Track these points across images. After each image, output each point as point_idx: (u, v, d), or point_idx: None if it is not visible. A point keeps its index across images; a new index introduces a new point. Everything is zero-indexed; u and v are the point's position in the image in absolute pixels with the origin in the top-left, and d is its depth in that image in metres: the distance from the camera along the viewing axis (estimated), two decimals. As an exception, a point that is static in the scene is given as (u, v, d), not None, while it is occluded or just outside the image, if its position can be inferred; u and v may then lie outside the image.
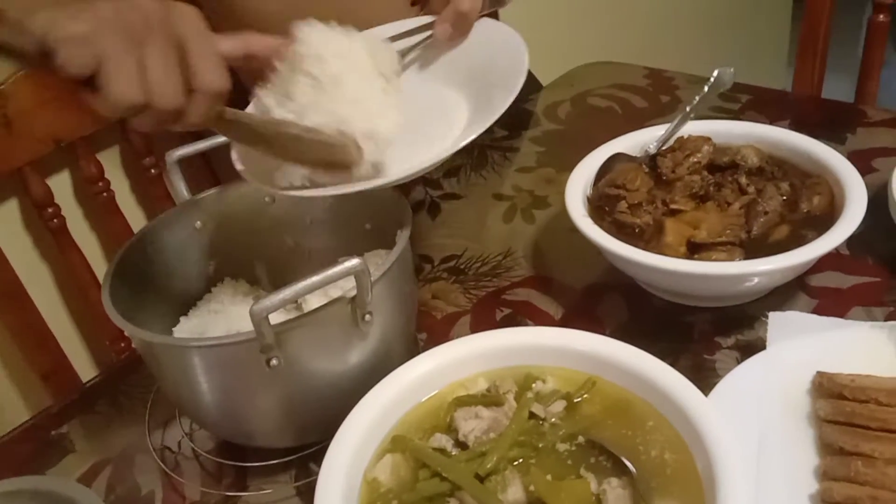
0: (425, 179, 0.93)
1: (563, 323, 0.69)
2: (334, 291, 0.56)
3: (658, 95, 1.02)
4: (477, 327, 0.70)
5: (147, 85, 0.45)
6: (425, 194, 0.90)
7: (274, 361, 0.50)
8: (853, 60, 1.20)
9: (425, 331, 0.70)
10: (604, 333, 0.66)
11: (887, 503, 0.44)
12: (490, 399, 0.53)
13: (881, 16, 1.08)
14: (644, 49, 1.04)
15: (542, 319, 0.70)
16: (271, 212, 0.69)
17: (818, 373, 0.54)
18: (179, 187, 0.67)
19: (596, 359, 0.54)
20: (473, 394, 0.54)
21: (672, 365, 0.62)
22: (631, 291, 0.70)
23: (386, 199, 0.63)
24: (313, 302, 0.61)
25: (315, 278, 0.47)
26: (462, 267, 0.78)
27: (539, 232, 0.81)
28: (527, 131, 1.01)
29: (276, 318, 0.50)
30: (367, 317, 0.52)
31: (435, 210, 0.87)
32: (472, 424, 0.51)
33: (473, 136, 0.57)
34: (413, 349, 0.64)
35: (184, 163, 0.66)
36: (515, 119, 1.03)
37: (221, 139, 0.67)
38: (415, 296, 0.64)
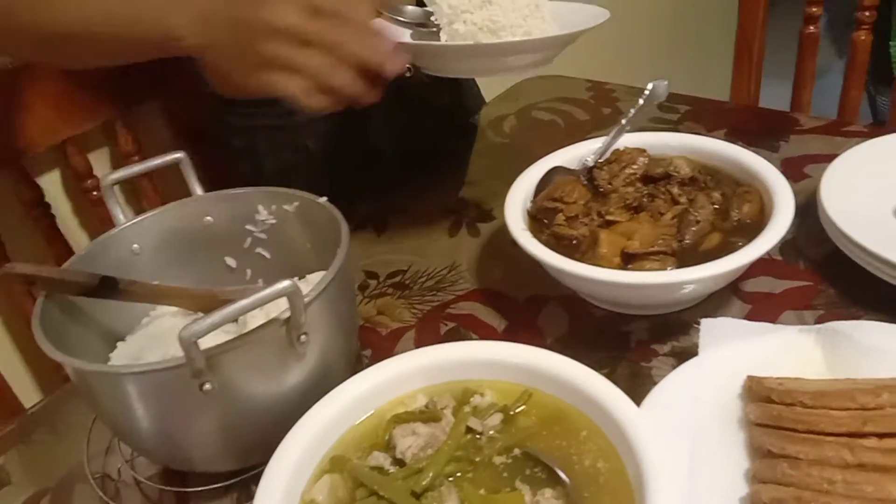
0: (372, 195, 0.93)
1: (506, 335, 0.70)
2: (275, 311, 0.56)
3: (599, 108, 1.04)
4: (421, 342, 0.70)
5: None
6: (372, 209, 0.91)
7: (207, 386, 0.50)
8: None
9: (370, 347, 0.70)
10: (545, 344, 0.68)
11: (810, 503, 0.46)
12: (427, 415, 0.53)
13: (811, 27, 1.12)
14: (592, 63, 1.06)
15: (486, 332, 0.70)
16: (211, 233, 0.68)
17: (748, 377, 0.56)
18: (115, 211, 0.66)
19: (532, 371, 0.55)
20: (411, 410, 0.54)
21: (610, 373, 0.64)
22: (571, 302, 0.71)
23: (324, 218, 0.63)
24: (255, 321, 0.61)
25: (244, 302, 0.47)
26: (407, 282, 0.78)
27: (483, 245, 0.82)
28: (473, 145, 1.02)
29: (213, 340, 0.50)
30: (303, 338, 0.52)
31: (381, 225, 0.88)
32: (410, 441, 0.51)
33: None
34: (356, 367, 0.64)
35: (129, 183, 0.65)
36: (462, 133, 1.04)
37: (158, 161, 0.67)
38: (354, 314, 0.64)
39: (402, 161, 0.99)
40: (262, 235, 0.69)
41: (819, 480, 0.47)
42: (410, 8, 0.72)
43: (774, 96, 1.28)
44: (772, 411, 0.52)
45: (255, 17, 0.55)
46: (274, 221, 0.68)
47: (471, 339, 0.70)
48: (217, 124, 0.99)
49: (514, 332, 0.70)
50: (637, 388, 0.58)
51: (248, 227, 0.69)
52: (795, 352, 0.57)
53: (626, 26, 1.73)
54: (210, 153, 1.06)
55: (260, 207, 0.68)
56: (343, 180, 0.94)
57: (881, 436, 0.49)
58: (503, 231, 0.82)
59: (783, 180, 0.67)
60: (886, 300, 0.64)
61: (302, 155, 0.96)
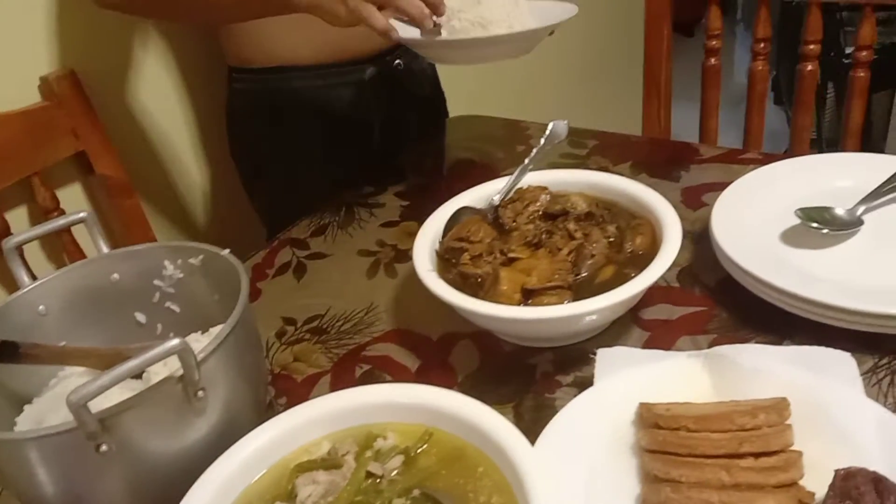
0: (292, 240, 0.95)
1: (419, 374, 0.71)
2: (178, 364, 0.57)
3: (514, 145, 1.08)
4: (336, 386, 0.71)
5: None
6: (292, 255, 0.92)
7: (104, 447, 0.50)
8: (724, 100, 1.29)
9: (285, 395, 0.71)
10: (456, 381, 0.69)
11: (690, 525, 0.48)
12: (329, 462, 0.54)
13: (712, 59, 1.18)
14: (507, 102, 1.10)
15: (400, 373, 0.72)
16: (119, 290, 0.69)
17: (640, 404, 0.58)
18: (19, 274, 0.66)
19: (433, 411, 0.57)
20: (314, 458, 0.55)
21: (517, 406, 0.66)
22: (482, 338, 0.74)
23: (229, 270, 0.64)
24: (159, 376, 0.61)
25: (133, 363, 0.47)
26: (325, 326, 0.79)
27: (400, 285, 0.84)
28: (392, 186, 1.04)
29: (118, 396, 0.50)
30: (200, 393, 0.53)
31: (301, 271, 0.89)
32: (309, 490, 0.52)
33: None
34: (268, 416, 0.65)
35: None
36: (381, 175, 1.07)
37: (62, 222, 0.68)
38: (261, 364, 0.65)
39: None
40: (171, 290, 0.70)
41: (698, 502, 0.49)
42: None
43: (693, 121, 1.32)
44: (658, 437, 0.54)
45: None
46: (181, 275, 0.69)
47: (385, 380, 0.71)
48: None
49: (427, 372, 0.71)
50: (541, 420, 0.60)
51: (156, 282, 0.70)
52: (685, 377, 0.60)
53: (539, 65, 1.80)
54: (129, 206, 1.07)
55: (166, 262, 0.68)
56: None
57: (757, 455, 0.52)
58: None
59: (672, 211, 0.71)
60: (775, 322, 0.68)
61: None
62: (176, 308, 0.71)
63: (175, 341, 0.49)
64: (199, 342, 0.64)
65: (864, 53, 1.11)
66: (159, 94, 1.15)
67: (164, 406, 0.52)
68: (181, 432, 0.54)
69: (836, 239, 0.74)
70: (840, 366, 0.58)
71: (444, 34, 0.82)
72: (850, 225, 0.75)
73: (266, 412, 0.67)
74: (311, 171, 1.08)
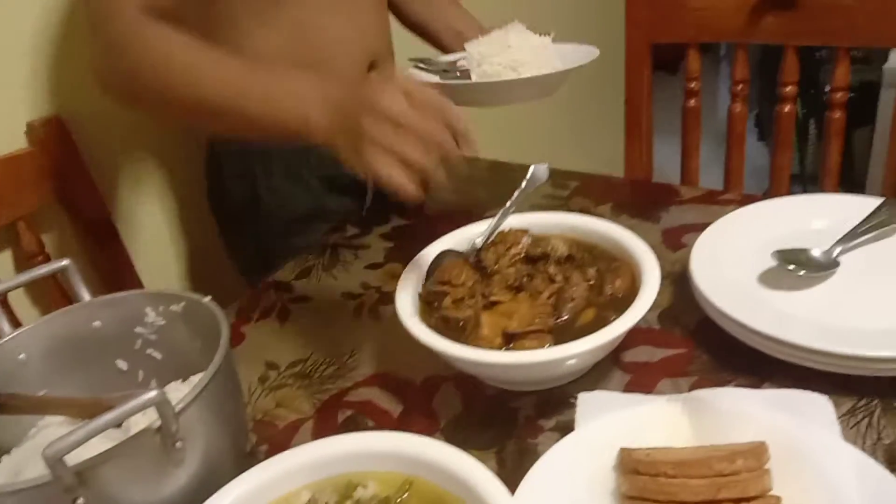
0: (276, 283, 0.95)
1: (402, 419, 0.71)
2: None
3: (498, 187, 1.09)
4: (318, 433, 0.71)
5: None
6: (276, 299, 0.92)
7: (80, 500, 0.49)
8: (708, 135, 1.32)
9: (266, 442, 0.71)
10: (439, 427, 0.69)
11: (669, 573, 0.48)
12: (308, 512, 0.54)
13: (692, 101, 1.20)
14: (494, 143, 1.11)
15: (382, 418, 0.72)
16: (100, 337, 0.69)
17: (620, 449, 0.58)
18: (0, 322, 0.66)
19: (413, 459, 0.56)
20: (293, 508, 0.55)
21: (499, 452, 0.66)
22: (465, 382, 0.74)
23: (208, 317, 0.64)
24: (139, 426, 0.61)
25: (109, 416, 0.47)
26: (308, 371, 0.79)
27: (384, 328, 0.84)
28: (377, 227, 1.05)
29: (99, 447, 0.50)
30: (179, 444, 0.53)
31: (284, 315, 0.89)
32: (288, 541, 0.52)
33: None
34: (249, 464, 0.65)
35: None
36: (366, 217, 1.07)
37: (43, 270, 0.68)
38: (241, 412, 0.65)
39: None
40: (152, 337, 0.70)
41: (677, 549, 0.49)
42: (439, 58, 0.87)
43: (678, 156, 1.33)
44: (638, 483, 0.54)
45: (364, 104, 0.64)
46: (163, 322, 0.69)
47: (368, 426, 0.71)
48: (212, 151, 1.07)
49: (410, 417, 0.71)
50: (524, 466, 0.59)
51: (138, 329, 0.70)
52: (665, 421, 0.60)
53: (524, 107, 1.84)
54: (115, 250, 1.07)
55: (147, 310, 0.69)
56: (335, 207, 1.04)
57: (736, 501, 0.52)
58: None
59: (650, 254, 0.72)
60: (755, 364, 0.68)
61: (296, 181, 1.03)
62: (158, 355, 0.70)
63: (152, 393, 0.49)
64: (179, 391, 0.64)
65: (839, 95, 1.14)
66: (144, 140, 1.17)
67: (141, 458, 0.52)
68: (159, 483, 0.54)
69: (813, 280, 0.75)
70: (817, 409, 0.58)
71: (475, 78, 0.85)
72: (826, 267, 0.76)
73: (247, 460, 0.66)
74: (295, 233, 1.05)
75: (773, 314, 0.70)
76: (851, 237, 0.79)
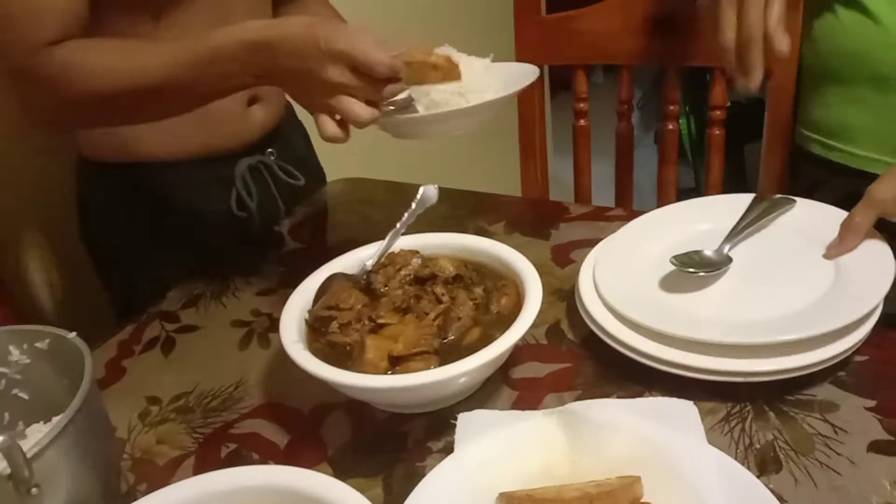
0: (161, 313, 0.91)
1: (288, 450, 0.69)
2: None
3: (396, 208, 1.08)
4: (200, 469, 0.68)
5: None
6: (160, 330, 0.89)
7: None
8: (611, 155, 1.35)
9: (145, 481, 0.68)
10: (327, 456, 0.68)
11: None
12: (177, 554, 0.52)
13: (581, 121, 1.24)
14: (391, 165, 1.12)
15: (268, 451, 0.70)
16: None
17: (500, 494, 0.57)
18: None
19: (290, 492, 0.55)
20: (162, 552, 0.53)
21: (386, 477, 0.65)
22: (354, 407, 0.73)
23: (74, 354, 0.61)
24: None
25: (-54, 467, 0.44)
26: (191, 405, 0.76)
27: (273, 356, 0.82)
28: (271, 251, 1.03)
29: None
30: (34, 490, 0.50)
31: (169, 346, 0.86)
32: (154, 587, 0.49)
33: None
34: (123, 506, 0.62)
35: None
36: (260, 241, 1.05)
37: None
38: (111, 451, 0.62)
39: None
40: (17, 376, 0.66)
41: (551, 566, 0.49)
42: (399, 98, 0.83)
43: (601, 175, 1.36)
44: (514, 498, 0.55)
45: (308, 72, 0.68)
46: (28, 361, 0.65)
47: (252, 459, 0.69)
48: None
49: (297, 447, 0.70)
50: (411, 489, 0.59)
51: (2, 369, 0.65)
52: (541, 436, 0.61)
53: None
54: None
55: (11, 348, 0.65)
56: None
57: (608, 511, 0.53)
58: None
59: (532, 271, 0.73)
60: (636, 376, 0.70)
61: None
62: (24, 395, 0.66)
63: (-2, 439, 0.46)
64: (41, 433, 0.60)
65: (718, 113, 1.20)
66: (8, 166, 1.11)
67: (-11, 508, 0.49)
68: (13, 534, 0.51)
69: (704, 281, 0.78)
70: (683, 415, 0.61)
71: (422, 109, 0.82)
72: (719, 264, 0.79)
73: (122, 502, 0.63)
74: (176, 265, 1.01)
75: (653, 331, 0.73)
76: (735, 234, 0.82)
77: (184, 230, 1.01)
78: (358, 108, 0.69)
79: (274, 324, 0.87)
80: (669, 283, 0.79)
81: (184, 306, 0.92)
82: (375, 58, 0.67)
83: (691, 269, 0.78)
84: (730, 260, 0.80)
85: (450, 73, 0.81)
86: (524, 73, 0.90)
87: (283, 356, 0.82)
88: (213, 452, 0.70)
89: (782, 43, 0.80)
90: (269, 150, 1.06)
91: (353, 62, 0.67)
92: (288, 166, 1.08)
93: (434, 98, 0.83)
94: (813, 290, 0.73)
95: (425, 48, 0.82)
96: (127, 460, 0.70)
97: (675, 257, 0.79)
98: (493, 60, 0.87)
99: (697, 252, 0.81)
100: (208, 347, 0.85)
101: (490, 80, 0.85)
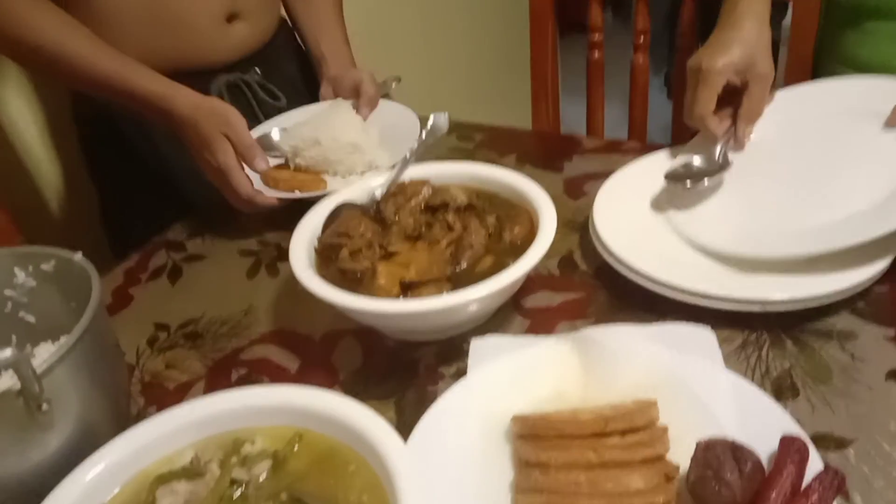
0: (168, 242, 0.90)
1: (299, 375, 0.69)
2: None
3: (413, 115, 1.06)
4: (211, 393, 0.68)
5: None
6: (167, 258, 0.88)
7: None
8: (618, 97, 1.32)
9: (155, 404, 0.67)
10: (338, 380, 0.68)
11: (558, 506, 0.48)
12: (190, 471, 0.52)
13: (595, 53, 1.20)
14: (402, 100, 1.08)
15: (279, 375, 0.69)
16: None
17: (512, 418, 0.56)
18: None
19: (302, 412, 0.55)
20: (175, 469, 0.52)
21: (399, 400, 0.64)
22: (365, 335, 0.72)
23: (81, 275, 0.60)
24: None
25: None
26: (200, 331, 0.76)
27: (281, 285, 0.81)
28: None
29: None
30: (44, 406, 0.49)
31: (176, 274, 0.85)
32: (168, 501, 0.49)
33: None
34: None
35: None
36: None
37: None
38: (121, 373, 0.61)
39: None
40: (24, 299, 0.65)
41: (566, 484, 0.49)
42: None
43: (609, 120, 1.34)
44: (528, 422, 0.54)
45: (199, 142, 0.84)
46: (34, 284, 0.64)
47: (263, 384, 0.68)
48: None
49: (308, 372, 0.69)
50: (423, 413, 0.58)
51: (7, 291, 0.64)
52: (554, 361, 0.60)
53: (435, 62, 1.81)
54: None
55: (16, 270, 0.63)
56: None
57: (623, 433, 0.52)
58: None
59: (547, 199, 0.72)
60: (650, 305, 0.69)
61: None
62: (31, 319, 0.66)
63: (7, 352, 0.45)
64: (49, 352, 0.59)
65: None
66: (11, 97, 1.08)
67: (2, 421, 0.48)
68: (27, 450, 0.50)
69: (702, 195, 0.77)
70: (700, 340, 0.60)
71: (292, 167, 0.90)
72: (713, 171, 0.78)
73: (132, 423, 0.63)
74: (173, 194, 0.99)
75: (667, 259, 0.72)
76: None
77: (176, 159, 0.96)
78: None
79: (281, 253, 0.87)
80: (685, 213, 0.78)
81: (189, 235, 0.91)
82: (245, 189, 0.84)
83: (688, 183, 0.77)
84: (727, 164, 0.78)
85: (315, 182, 0.88)
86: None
87: (292, 284, 0.81)
88: (223, 377, 0.69)
89: (742, 137, 0.82)
90: (255, 69, 1.03)
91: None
92: (270, 86, 1.04)
93: (300, 162, 0.90)
94: (835, 201, 0.70)
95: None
96: (136, 385, 0.70)
97: (670, 173, 0.79)
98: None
99: (688, 164, 0.80)
100: (216, 276, 0.84)
101: (355, 158, 0.89)
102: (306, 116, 0.96)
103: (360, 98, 0.97)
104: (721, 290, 0.66)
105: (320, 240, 0.73)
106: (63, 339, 0.60)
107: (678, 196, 0.79)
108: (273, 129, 0.98)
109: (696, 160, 0.79)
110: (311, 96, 1.13)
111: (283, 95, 1.04)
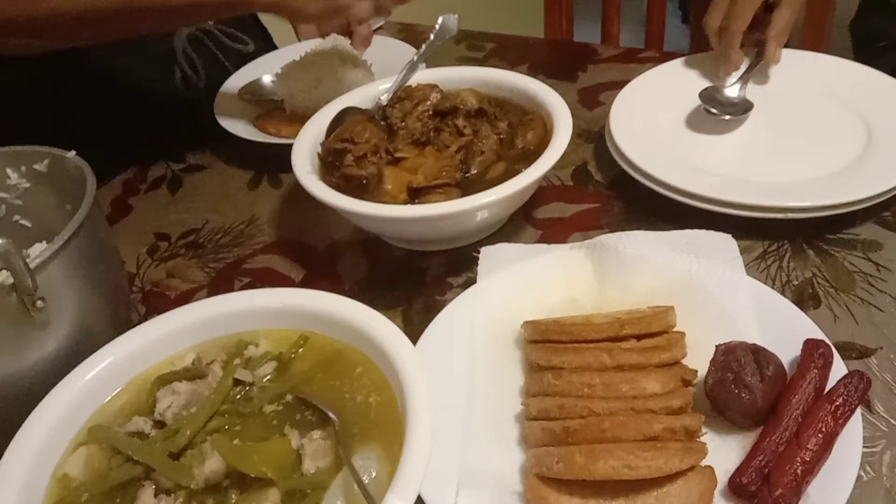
0: (167, 153, 0.87)
1: (303, 284, 0.67)
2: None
3: (410, 48, 1.02)
4: (214, 301, 0.66)
5: None
6: (166, 169, 0.85)
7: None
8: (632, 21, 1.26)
9: (155, 312, 0.65)
10: (343, 289, 0.66)
11: (571, 408, 0.46)
12: (192, 372, 0.50)
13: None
14: (409, 7, 1.03)
15: (282, 284, 0.67)
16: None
17: (523, 323, 0.54)
18: None
19: (308, 315, 0.53)
20: (177, 370, 0.51)
21: (406, 309, 0.63)
22: (371, 245, 0.70)
23: (76, 175, 0.57)
24: None
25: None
26: (202, 241, 0.74)
27: (285, 196, 0.79)
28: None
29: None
30: (40, 303, 0.47)
31: (175, 185, 0.82)
32: (169, 401, 0.48)
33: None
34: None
35: None
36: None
37: None
38: (117, 277, 0.60)
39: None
40: (18, 202, 0.62)
41: (580, 386, 0.48)
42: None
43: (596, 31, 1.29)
44: (540, 326, 0.52)
45: None
46: (28, 185, 0.61)
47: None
48: None
49: (312, 281, 0.67)
50: (431, 320, 0.57)
51: (1, 194, 0.62)
52: (567, 268, 0.58)
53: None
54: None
55: (9, 171, 0.61)
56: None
57: (639, 337, 0.51)
58: (303, 182, 0.79)
59: (562, 104, 0.68)
60: (667, 214, 0.67)
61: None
62: (26, 223, 0.63)
63: (-5, 242, 0.43)
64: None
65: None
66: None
67: (-6, 319, 0.46)
68: (22, 349, 0.49)
69: (730, 124, 0.74)
70: (720, 246, 0.57)
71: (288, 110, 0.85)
72: (741, 109, 0.75)
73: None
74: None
75: (688, 166, 0.69)
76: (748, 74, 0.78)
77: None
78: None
79: (283, 165, 0.83)
80: (686, 130, 0.76)
81: (189, 147, 0.88)
82: None
83: (714, 111, 0.74)
84: (750, 105, 0.75)
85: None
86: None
87: (295, 195, 0.79)
88: (226, 285, 0.68)
89: (772, 57, 0.79)
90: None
91: None
92: (232, 30, 0.97)
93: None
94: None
95: None
96: (137, 294, 0.68)
97: (703, 92, 0.76)
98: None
99: (719, 90, 0.77)
100: (216, 187, 0.81)
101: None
102: (294, 57, 0.88)
103: (354, 38, 0.89)
104: (742, 198, 0.63)
105: (324, 145, 0.70)
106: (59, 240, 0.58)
107: (701, 115, 0.76)
108: (263, 75, 0.92)
109: (727, 91, 0.77)
110: (267, 37, 1.08)
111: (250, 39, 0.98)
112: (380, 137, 0.70)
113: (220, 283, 0.68)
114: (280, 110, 0.88)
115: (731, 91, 0.77)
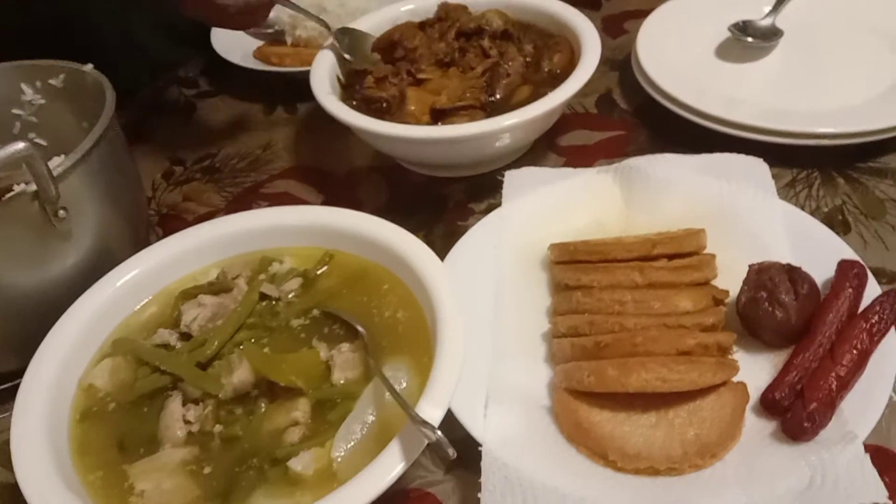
0: (179, 78, 0.85)
1: (323, 208, 0.66)
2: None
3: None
4: (232, 224, 0.65)
5: None
6: (179, 94, 0.83)
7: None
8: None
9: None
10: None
11: (602, 325, 0.46)
12: (217, 286, 0.50)
13: None
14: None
15: (302, 208, 0.66)
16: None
17: (550, 245, 0.53)
18: None
19: (333, 232, 0.52)
20: (201, 284, 0.50)
21: (427, 234, 0.62)
22: (392, 171, 0.69)
23: (95, 90, 0.55)
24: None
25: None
26: (218, 165, 0.73)
27: (301, 122, 0.77)
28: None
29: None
30: (62, 213, 0.47)
31: (189, 110, 0.81)
32: (195, 313, 0.47)
33: None
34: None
35: None
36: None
37: None
38: (136, 194, 0.59)
39: None
40: (33, 119, 0.61)
41: (610, 303, 0.47)
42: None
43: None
44: (569, 247, 0.52)
45: None
46: (43, 101, 0.60)
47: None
48: None
49: (332, 205, 0.66)
50: (453, 245, 0.56)
51: (15, 110, 0.61)
52: (594, 191, 0.57)
53: None
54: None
55: (23, 86, 0.59)
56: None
57: (671, 257, 0.50)
58: (321, 107, 0.78)
59: (591, 27, 0.66)
60: (695, 141, 0.65)
61: None
62: (42, 141, 0.62)
63: (19, 145, 0.42)
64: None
65: None
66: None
67: (20, 226, 0.46)
68: (45, 260, 0.48)
69: (760, 52, 0.73)
70: (751, 170, 0.56)
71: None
72: (770, 35, 0.73)
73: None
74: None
75: (718, 93, 0.67)
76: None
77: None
78: None
79: (300, 92, 0.81)
80: (714, 57, 0.74)
81: (202, 71, 0.86)
82: None
83: (751, 40, 0.72)
84: (780, 32, 0.73)
85: None
86: None
87: (312, 121, 0.77)
88: (243, 209, 0.66)
89: None
90: None
91: None
92: None
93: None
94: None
95: None
96: (154, 216, 0.68)
97: (733, 25, 0.74)
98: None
99: (749, 21, 0.75)
100: (230, 112, 0.80)
101: None
102: None
103: None
104: (773, 124, 0.61)
105: (344, 67, 0.68)
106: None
107: (729, 43, 0.74)
108: None
109: (757, 21, 0.74)
110: None
111: None
112: (427, 46, 0.68)
113: (238, 208, 0.67)
114: (280, 43, 0.85)
115: (762, 21, 0.75)
